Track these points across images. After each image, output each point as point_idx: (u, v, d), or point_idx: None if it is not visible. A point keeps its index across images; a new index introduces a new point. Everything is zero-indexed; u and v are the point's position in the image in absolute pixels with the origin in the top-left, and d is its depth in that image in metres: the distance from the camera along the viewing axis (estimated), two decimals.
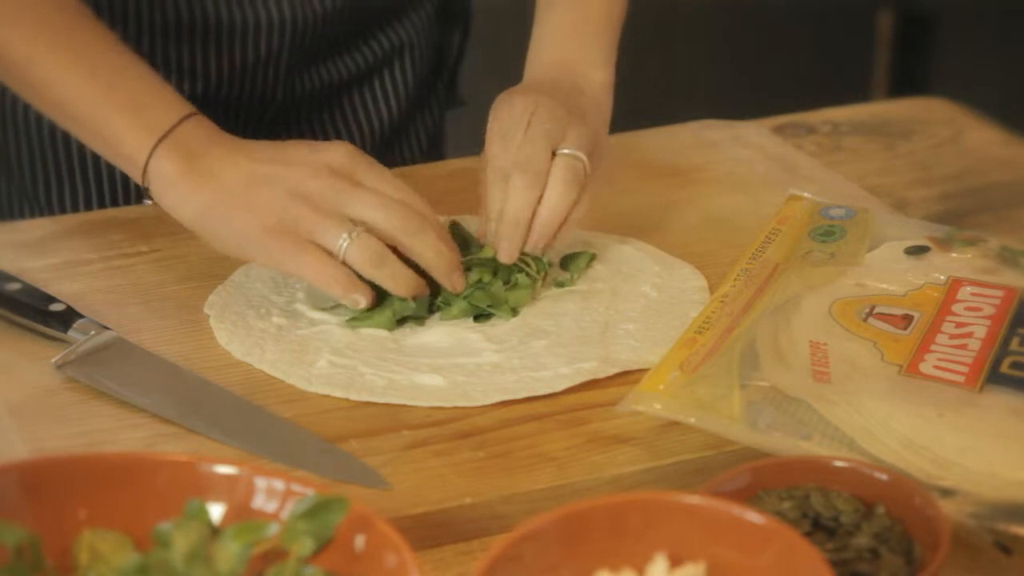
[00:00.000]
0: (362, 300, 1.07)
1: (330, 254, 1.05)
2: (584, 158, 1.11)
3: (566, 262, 1.15)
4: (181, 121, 1.09)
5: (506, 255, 1.10)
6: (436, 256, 1.08)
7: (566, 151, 1.11)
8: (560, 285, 1.14)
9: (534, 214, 1.10)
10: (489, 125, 1.14)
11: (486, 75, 1.56)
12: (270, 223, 1.06)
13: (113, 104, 1.10)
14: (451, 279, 1.09)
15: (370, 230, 1.06)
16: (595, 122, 1.16)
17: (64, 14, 1.12)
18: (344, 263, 1.06)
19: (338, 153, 1.08)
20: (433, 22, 1.43)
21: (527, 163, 1.10)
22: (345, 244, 1.05)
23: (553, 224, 1.11)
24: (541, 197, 1.10)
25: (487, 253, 1.11)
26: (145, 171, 1.08)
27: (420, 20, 1.40)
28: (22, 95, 1.17)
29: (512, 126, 1.12)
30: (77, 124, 1.12)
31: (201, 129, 1.10)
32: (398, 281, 1.07)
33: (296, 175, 1.07)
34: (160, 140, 1.08)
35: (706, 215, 1.25)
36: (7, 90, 1.23)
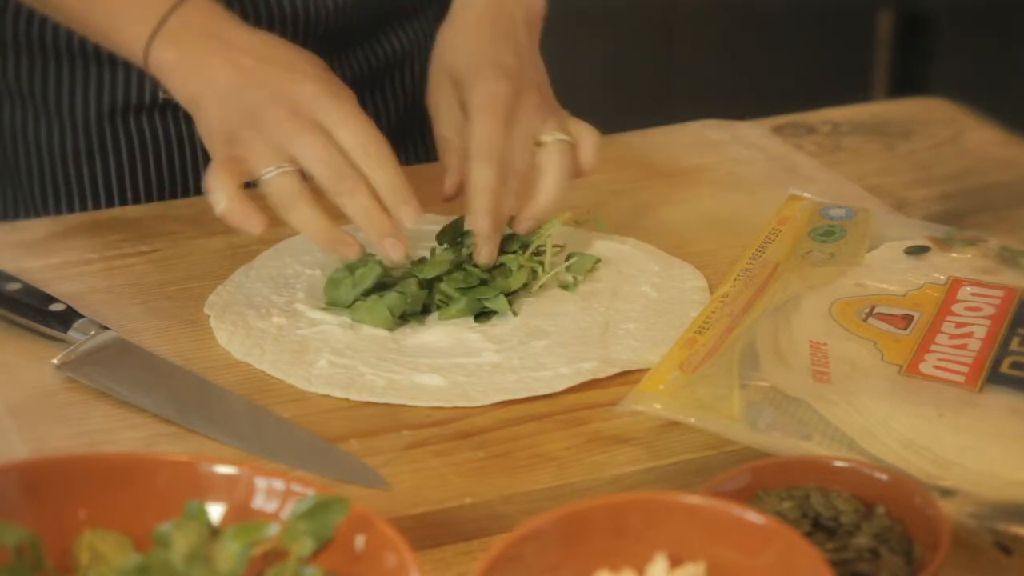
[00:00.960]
0: (254, 229, 1.07)
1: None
2: (571, 140, 1.13)
3: (571, 265, 1.15)
4: (174, 8, 1.11)
5: (487, 258, 1.11)
6: (365, 219, 1.07)
7: (554, 137, 1.12)
8: (565, 288, 1.14)
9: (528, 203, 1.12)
10: (468, 98, 1.13)
11: None
12: (224, 132, 1.08)
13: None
14: (382, 244, 1.08)
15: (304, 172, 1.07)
16: (534, 58, 1.17)
17: None
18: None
19: (308, 87, 1.08)
20: (436, 26, 1.42)
21: (514, 165, 1.11)
22: (266, 177, 1.06)
23: (547, 213, 1.12)
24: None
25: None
26: (146, 64, 1.12)
27: (426, 24, 1.40)
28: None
29: (494, 116, 1.12)
30: (77, 23, 1.18)
31: (196, 15, 1.12)
32: (307, 226, 1.07)
33: (261, 97, 1.08)
34: (155, 31, 1.11)
35: (706, 215, 1.25)
36: (11, 101, 1.24)
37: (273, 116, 1.07)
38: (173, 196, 1.32)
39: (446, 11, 1.42)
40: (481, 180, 1.10)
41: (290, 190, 1.06)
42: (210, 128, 1.10)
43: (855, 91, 2.51)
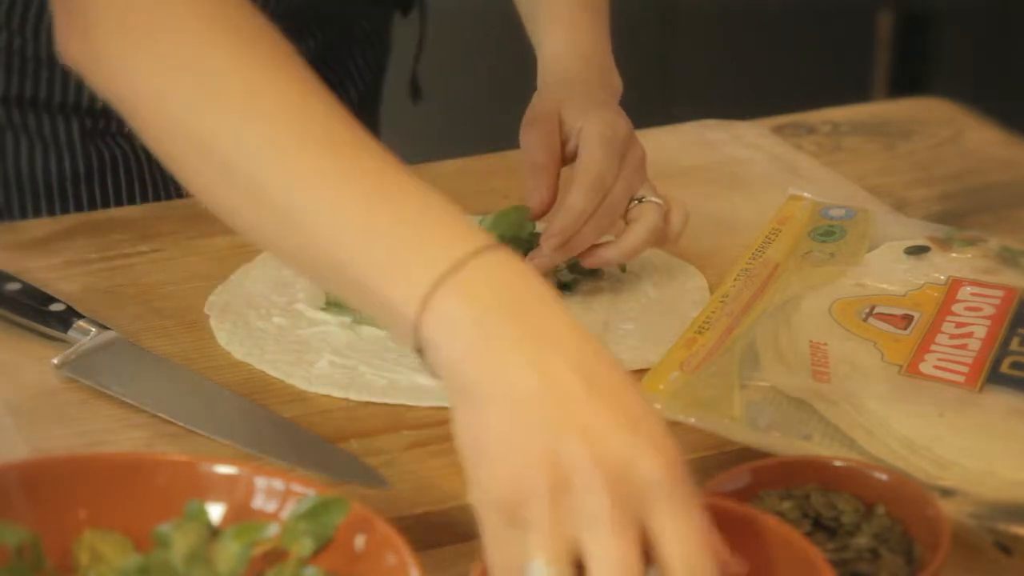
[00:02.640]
0: None
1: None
2: (665, 207, 1.11)
3: (575, 266, 1.15)
4: (477, 253, 0.77)
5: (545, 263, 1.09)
6: None
7: (651, 199, 1.11)
8: (565, 287, 1.13)
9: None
10: (586, 126, 1.10)
11: (445, 70, 1.56)
12: (512, 482, 0.73)
13: (390, 238, 0.79)
14: None
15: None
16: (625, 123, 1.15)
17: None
18: None
19: (650, 463, 0.73)
20: (384, 16, 1.42)
21: (613, 205, 1.09)
22: (530, 570, 0.73)
23: (621, 259, 1.11)
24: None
25: None
26: (417, 324, 0.77)
27: (372, 13, 1.39)
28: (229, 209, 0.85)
29: (610, 149, 1.09)
30: (332, 271, 0.82)
31: (497, 271, 0.77)
32: None
33: (577, 449, 0.73)
34: (444, 277, 0.76)
35: (706, 215, 1.25)
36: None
37: (584, 483, 0.72)
38: (172, 196, 1.32)
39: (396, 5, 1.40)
40: (578, 204, 1.07)
41: None
42: (486, 454, 0.75)
43: (855, 91, 2.51)
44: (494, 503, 0.73)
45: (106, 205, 1.30)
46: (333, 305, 1.10)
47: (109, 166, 1.30)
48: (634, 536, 0.72)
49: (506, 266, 0.77)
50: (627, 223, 1.11)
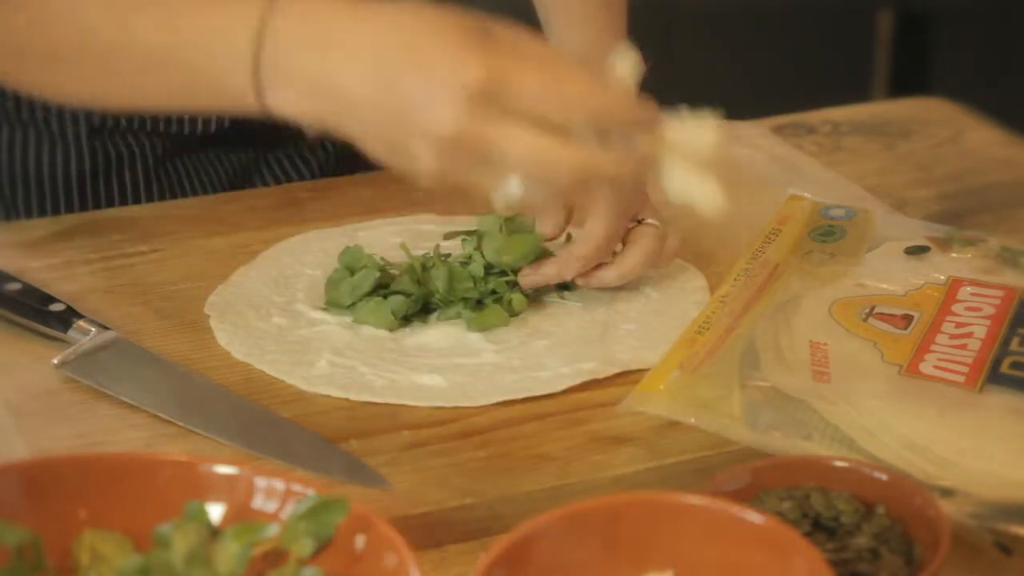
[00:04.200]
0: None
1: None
2: (662, 230, 1.11)
3: None
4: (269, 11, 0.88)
5: (529, 285, 1.10)
6: (618, 168, 0.87)
7: (650, 221, 1.11)
8: (565, 288, 1.13)
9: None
10: None
11: None
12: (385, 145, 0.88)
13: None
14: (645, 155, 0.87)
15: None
16: None
17: None
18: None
19: (474, 64, 0.84)
20: None
21: (609, 241, 1.09)
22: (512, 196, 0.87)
23: (613, 283, 1.11)
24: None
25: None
26: (257, 87, 0.88)
27: None
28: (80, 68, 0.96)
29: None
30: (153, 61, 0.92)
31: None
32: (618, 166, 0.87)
33: (423, 104, 0.85)
34: (258, 37, 0.87)
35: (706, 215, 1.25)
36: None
37: (453, 129, 0.84)
38: (173, 196, 1.32)
39: None
40: (600, 232, 1.08)
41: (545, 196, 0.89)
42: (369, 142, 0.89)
43: (855, 91, 2.51)
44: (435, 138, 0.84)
45: (111, 204, 1.30)
46: (333, 305, 1.10)
47: (115, 165, 1.30)
48: (498, 123, 0.83)
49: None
50: (624, 244, 1.11)
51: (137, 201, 1.31)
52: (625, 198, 1.09)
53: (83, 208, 1.29)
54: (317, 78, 0.87)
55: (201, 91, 0.92)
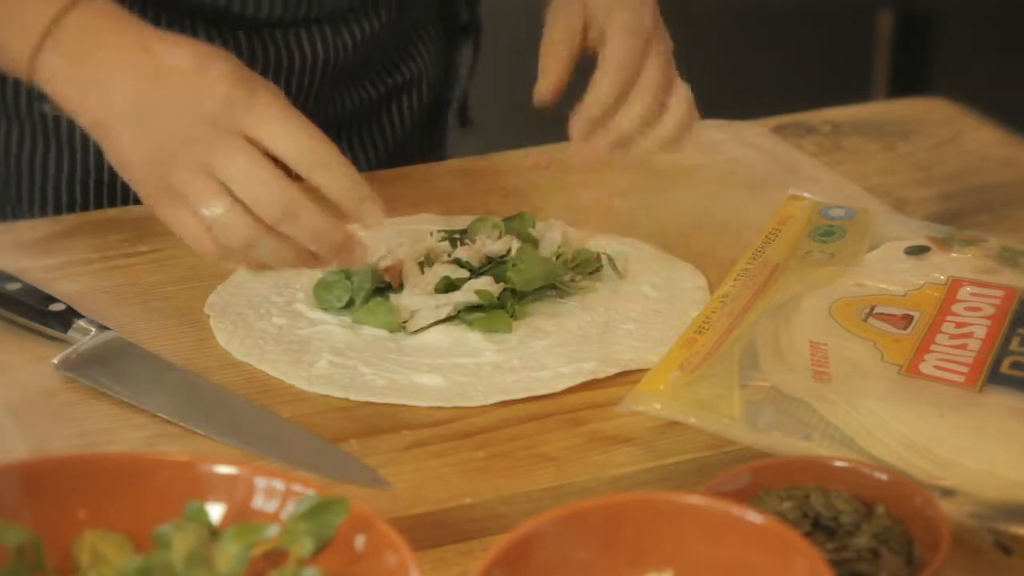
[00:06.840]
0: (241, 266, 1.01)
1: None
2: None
3: (575, 266, 1.15)
4: (65, 11, 0.99)
5: (581, 162, 1.10)
6: (315, 241, 0.98)
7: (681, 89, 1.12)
8: (564, 288, 1.13)
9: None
10: (613, 17, 1.10)
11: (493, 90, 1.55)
12: (144, 163, 0.99)
13: None
14: (341, 259, 1.01)
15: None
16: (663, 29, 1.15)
17: None
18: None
19: (219, 88, 0.96)
20: (441, 45, 1.41)
21: (648, 94, 1.09)
22: (212, 217, 0.97)
23: (673, 136, 1.11)
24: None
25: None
26: (33, 77, 1.00)
27: (430, 46, 1.39)
28: None
29: (637, 36, 1.10)
30: None
31: (91, 18, 0.99)
32: (277, 259, 0.99)
33: (170, 113, 0.96)
34: (42, 40, 0.99)
35: (706, 215, 1.25)
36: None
37: (186, 134, 0.96)
38: None
39: (447, 26, 1.40)
40: (602, 89, 1.08)
41: (242, 234, 0.97)
42: (125, 160, 1.01)
43: (855, 91, 2.51)
44: (135, 168, 0.98)
45: (111, 204, 1.30)
46: (324, 307, 1.10)
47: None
48: (242, 150, 0.95)
49: (95, 12, 0.99)
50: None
51: (137, 201, 1.31)
52: (637, 60, 1.08)
53: (83, 208, 1.29)
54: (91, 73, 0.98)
55: None
